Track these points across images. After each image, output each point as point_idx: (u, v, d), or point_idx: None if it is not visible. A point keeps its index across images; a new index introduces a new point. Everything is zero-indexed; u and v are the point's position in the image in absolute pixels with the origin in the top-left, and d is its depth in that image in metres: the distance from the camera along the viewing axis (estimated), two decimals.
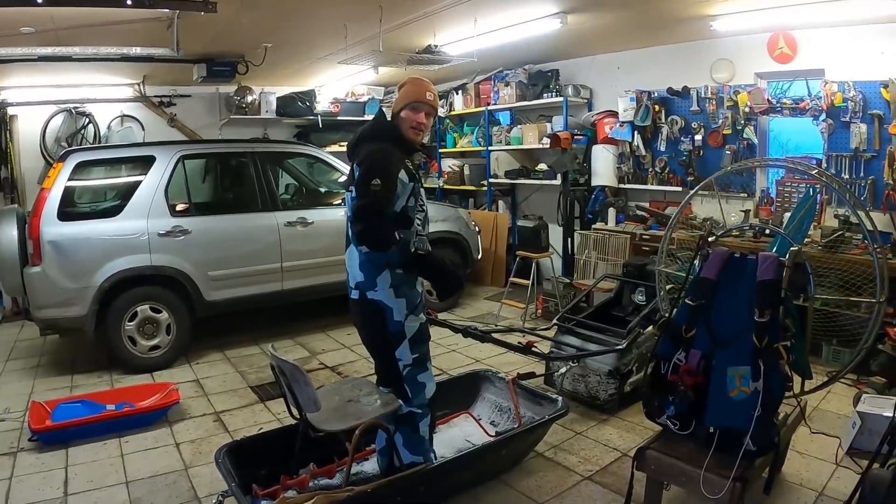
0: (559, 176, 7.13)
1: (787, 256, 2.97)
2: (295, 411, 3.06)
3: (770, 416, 2.85)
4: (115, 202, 5.60)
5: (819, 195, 5.01)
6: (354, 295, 3.18)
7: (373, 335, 3.26)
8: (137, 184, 5.52)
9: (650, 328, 4.67)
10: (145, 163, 5.61)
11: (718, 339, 2.95)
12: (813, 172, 3.78)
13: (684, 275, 4.08)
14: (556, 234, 7.44)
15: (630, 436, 4.17)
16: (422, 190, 3.24)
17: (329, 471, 3.43)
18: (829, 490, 3.46)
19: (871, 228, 3.56)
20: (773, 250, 3.45)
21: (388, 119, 3.19)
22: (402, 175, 3.03)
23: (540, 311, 6.94)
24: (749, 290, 2.92)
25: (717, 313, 2.99)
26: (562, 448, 4.03)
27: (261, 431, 3.59)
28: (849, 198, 3.85)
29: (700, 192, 6.41)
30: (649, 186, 6.89)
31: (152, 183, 5.53)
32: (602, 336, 4.63)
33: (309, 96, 8.81)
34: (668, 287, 4.33)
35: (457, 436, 4.02)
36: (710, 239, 3.19)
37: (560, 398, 3.89)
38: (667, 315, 3.28)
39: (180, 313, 5.57)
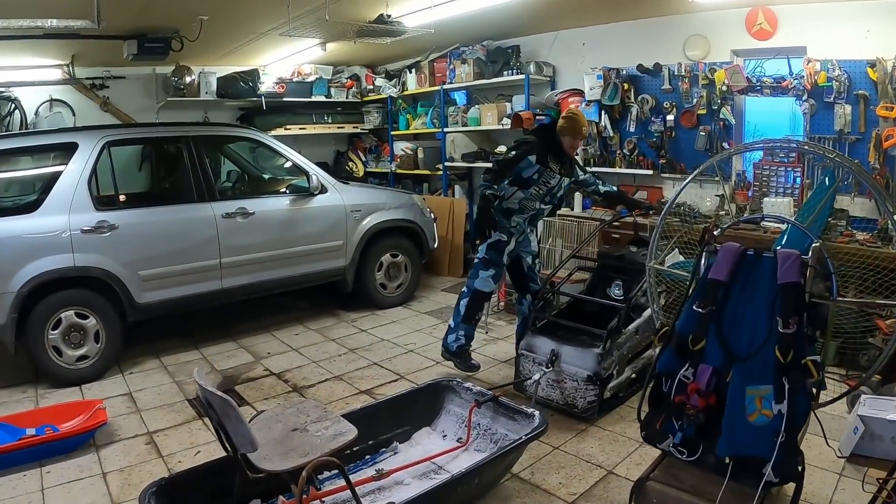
0: None
1: (810, 254, 2.55)
2: (229, 447, 2.55)
3: (794, 441, 2.44)
4: (33, 196, 4.93)
5: (848, 182, 4.63)
6: None
7: None
8: (58, 175, 4.87)
9: (631, 326, 4.27)
10: (66, 151, 4.96)
11: (733, 352, 2.52)
12: (832, 156, 3.35)
13: (680, 273, 3.70)
14: None
15: (613, 448, 3.76)
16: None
17: None
18: None
19: None
20: (783, 244, 3.05)
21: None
22: None
23: (503, 303, 6.51)
24: (767, 294, 2.51)
25: (730, 321, 2.57)
26: (539, 466, 3.59)
27: (192, 467, 3.03)
28: (873, 186, 3.41)
29: (671, 176, 6.14)
30: (618, 170, 6.49)
31: (74, 173, 4.89)
32: (580, 337, 4.20)
33: (252, 76, 8.17)
34: (658, 290, 3.88)
35: (419, 454, 3.54)
36: (715, 232, 2.75)
37: (537, 413, 3.41)
38: (664, 322, 2.85)
39: (109, 318, 4.96)
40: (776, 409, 2.40)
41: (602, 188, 4.99)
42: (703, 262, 2.71)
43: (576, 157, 4.92)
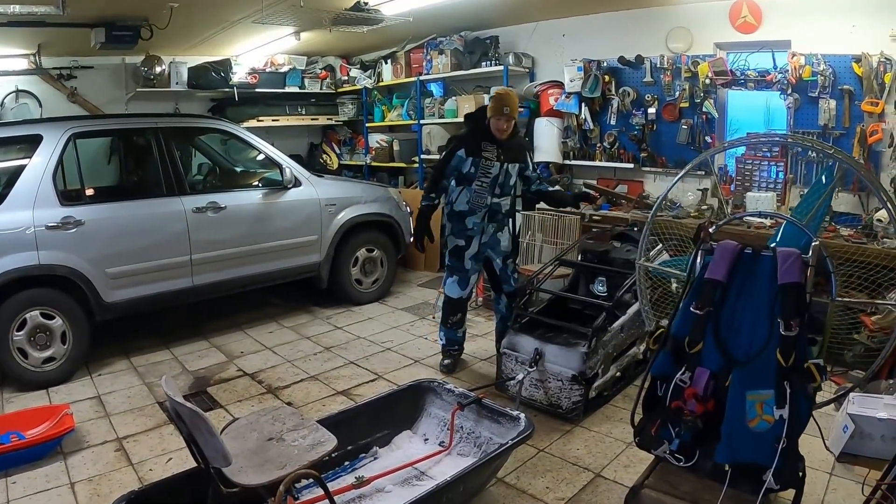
0: None
1: (811, 253, 2.45)
2: (201, 460, 2.39)
3: (795, 446, 2.35)
4: None
5: (849, 178, 4.54)
6: None
7: None
8: (21, 169, 4.63)
9: (616, 324, 4.17)
10: (30, 143, 4.71)
11: (732, 355, 2.42)
12: (830, 151, 3.26)
13: (671, 272, 3.60)
14: None
15: (600, 450, 3.64)
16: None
17: None
18: None
19: None
20: (777, 242, 2.95)
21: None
22: None
23: (481, 299, 6.38)
24: (767, 294, 2.41)
25: (728, 323, 2.47)
26: (525, 470, 3.47)
27: (162, 479, 2.85)
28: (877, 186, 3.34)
29: (652, 170, 6.05)
30: (597, 163, 6.38)
31: (38, 167, 4.64)
32: (563, 335, 4.09)
33: (224, 66, 7.92)
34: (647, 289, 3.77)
35: (400, 460, 3.40)
36: (710, 229, 2.65)
37: (522, 416, 3.28)
38: (657, 323, 2.74)
39: (76, 318, 4.72)
40: (777, 414, 2.31)
41: (539, 187, 4.72)
42: (698, 260, 2.59)
43: (522, 140, 4.79)
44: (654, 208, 3.73)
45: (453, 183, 4.48)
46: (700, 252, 2.58)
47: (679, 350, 2.49)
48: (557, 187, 4.92)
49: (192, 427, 2.24)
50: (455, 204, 4.50)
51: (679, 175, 3.68)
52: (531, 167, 4.66)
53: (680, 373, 2.47)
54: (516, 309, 4.40)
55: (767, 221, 4.73)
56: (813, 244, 2.48)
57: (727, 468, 2.37)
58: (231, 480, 2.33)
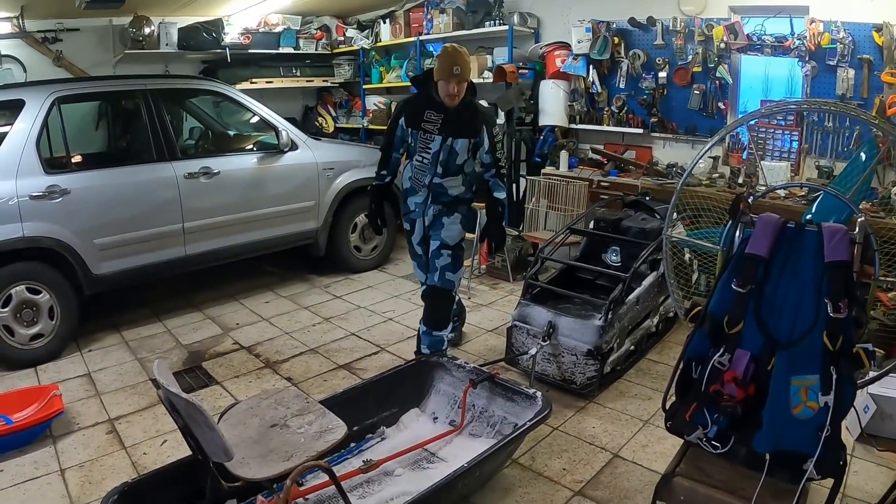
0: (503, 114, 6.33)
1: (857, 229, 2.27)
2: (199, 453, 2.21)
3: (838, 435, 2.19)
4: None
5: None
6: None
7: None
8: (2, 136, 4.39)
9: (632, 296, 4.00)
10: (12, 109, 4.46)
11: (774, 337, 2.25)
12: (875, 122, 3.07)
13: (701, 244, 3.42)
14: None
15: (616, 428, 3.51)
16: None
17: None
18: (851, 489, 2.95)
19: None
20: (812, 215, 2.77)
21: None
22: None
23: (484, 266, 6.21)
24: (812, 272, 2.23)
25: (770, 302, 2.29)
26: (540, 451, 3.33)
27: (156, 470, 2.66)
28: None
29: (662, 135, 5.85)
30: (605, 127, 6.16)
31: (21, 133, 4.39)
32: (577, 307, 3.93)
33: (216, 27, 7.56)
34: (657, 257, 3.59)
35: (409, 440, 3.25)
36: (749, 200, 2.46)
37: (539, 394, 3.13)
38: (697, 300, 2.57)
39: (64, 293, 4.51)
40: (822, 401, 2.15)
41: (490, 178, 3.91)
42: (737, 234, 2.41)
43: (478, 109, 3.83)
44: (682, 178, 3.53)
45: (400, 157, 4.01)
46: (740, 225, 2.40)
47: (717, 329, 2.32)
48: (503, 195, 3.92)
49: (189, 419, 2.06)
50: (403, 181, 4.03)
51: (711, 142, 3.51)
52: (487, 146, 3.78)
53: (718, 354, 2.30)
54: (527, 279, 4.21)
55: (781, 192, 4.55)
56: (859, 219, 2.31)
57: (767, 457, 2.22)
58: (232, 474, 2.16)
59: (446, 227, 3.88)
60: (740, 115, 5.38)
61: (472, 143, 3.76)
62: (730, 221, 2.53)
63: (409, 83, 7.56)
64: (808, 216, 3.26)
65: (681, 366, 2.39)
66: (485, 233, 4.25)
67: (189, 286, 5.83)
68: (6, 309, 4.28)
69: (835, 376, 2.13)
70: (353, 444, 3.19)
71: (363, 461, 2.93)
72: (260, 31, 8.02)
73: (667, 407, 2.46)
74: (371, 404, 3.34)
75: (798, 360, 2.18)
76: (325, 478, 2.33)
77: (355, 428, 3.19)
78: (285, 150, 5.57)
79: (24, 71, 6.79)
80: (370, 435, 3.29)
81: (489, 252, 3.98)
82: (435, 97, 3.69)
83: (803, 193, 4.29)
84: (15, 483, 3.12)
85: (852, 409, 2.26)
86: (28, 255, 4.36)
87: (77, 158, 5.12)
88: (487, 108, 3.75)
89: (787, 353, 2.20)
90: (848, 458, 3.01)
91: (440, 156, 3.74)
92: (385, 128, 4.09)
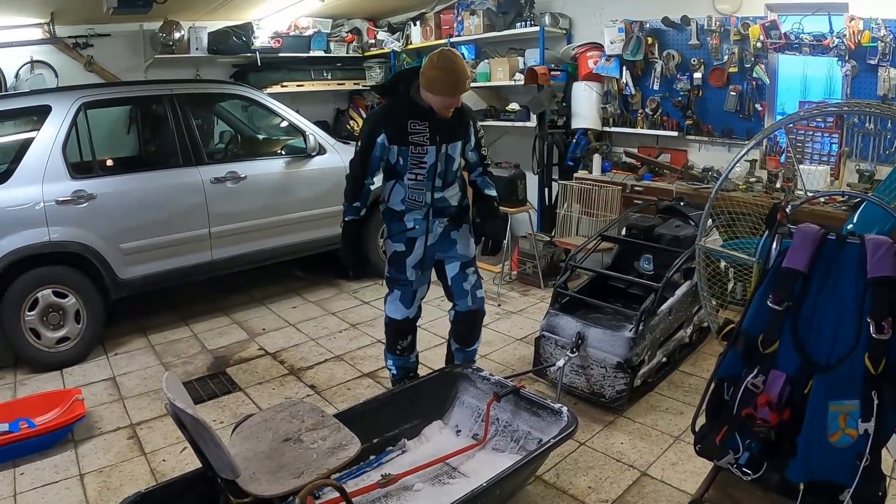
0: (534, 117, 6.22)
1: None
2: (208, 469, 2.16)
3: (878, 464, 2.06)
4: (2, 166, 4.48)
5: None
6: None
7: None
8: (30, 141, 4.41)
9: (664, 306, 3.87)
10: (39, 115, 4.49)
11: (812, 358, 2.12)
12: None
13: (735, 255, 3.28)
14: (531, 183, 6.52)
15: (646, 445, 3.38)
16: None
17: None
18: None
19: None
20: (853, 225, 2.62)
21: None
22: None
23: (516, 272, 6.11)
24: (854, 289, 2.10)
25: (808, 321, 2.16)
26: (565, 467, 3.22)
27: (170, 480, 2.61)
28: None
29: (697, 138, 5.68)
30: (638, 130, 6.00)
31: (48, 139, 4.42)
32: (607, 317, 3.82)
33: (246, 31, 7.57)
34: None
35: (430, 454, 3.16)
36: (787, 209, 2.33)
37: (565, 409, 3.01)
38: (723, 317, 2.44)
39: (90, 297, 4.53)
40: (862, 428, 2.02)
41: (478, 179, 3.66)
42: (774, 245, 2.28)
43: (463, 107, 3.40)
44: (717, 183, 3.39)
45: (382, 178, 3.50)
46: (777, 236, 2.27)
47: (751, 349, 2.20)
48: (493, 192, 3.64)
49: (196, 435, 2.01)
50: (389, 202, 3.49)
51: (748, 146, 3.35)
52: (473, 142, 3.48)
53: (752, 375, 2.17)
54: (556, 287, 4.10)
55: (821, 200, 4.36)
56: None
57: (801, 486, 2.09)
58: (242, 489, 2.11)
59: (459, 242, 3.60)
60: (778, 117, 5.21)
61: (463, 143, 3.45)
62: (766, 232, 2.40)
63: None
64: (850, 226, 3.10)
65: (712, 386, 2.26)
66: (479, 232, 3.68)
67: (218, 290, 5.83)
68: (33, 312, 4.32)
69: (876, 402, 2.00)
70: (372, 457, 3.11)
71: (382, 475, 2.86)
72: (290, 34, 8.02)
73: (696, 429, 2.34)
74: (393, 415, 3.27)
75: (837, 383, 2.05)
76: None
77: (375, 440, 3.14)
78: (313, 154, 5.54)
79: (56, 76, 6.85)
80: (391, 447, 3.21)
81: (483, 252, 3.64)
82: (417, 103, 3.26)
83: (844, 199, 4.11)
84: (34, 487, 3.13)
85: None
86: (55, 259, 4.39)
87: (104, 163, 5.16)
88: (466, 105, 3.39)
89: (825, 375, 2.07)
90: (887, 482, 2.88)
91: (437, 167, 3.36)
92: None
